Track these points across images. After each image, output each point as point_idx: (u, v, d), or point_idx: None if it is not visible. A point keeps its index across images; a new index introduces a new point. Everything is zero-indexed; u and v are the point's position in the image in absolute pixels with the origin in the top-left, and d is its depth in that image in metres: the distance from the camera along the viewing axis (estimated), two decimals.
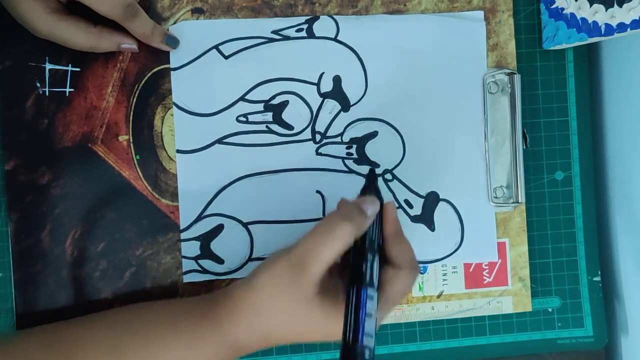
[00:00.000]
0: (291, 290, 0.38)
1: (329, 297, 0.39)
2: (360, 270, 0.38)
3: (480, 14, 0.50)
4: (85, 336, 0.41)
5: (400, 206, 0.49)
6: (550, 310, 0.51)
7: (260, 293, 0.39)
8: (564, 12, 0.48)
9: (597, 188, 0.53)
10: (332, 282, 0.40)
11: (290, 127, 0.49)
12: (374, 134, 0.49)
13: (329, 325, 0.39)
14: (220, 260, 0.48)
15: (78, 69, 0.47)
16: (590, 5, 0.46)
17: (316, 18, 0.49)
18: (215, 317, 0.41)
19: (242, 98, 0.48)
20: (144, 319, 0.42)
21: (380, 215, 0.41)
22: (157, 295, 0.48)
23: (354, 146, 0.49)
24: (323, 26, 0.49)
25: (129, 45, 0.45)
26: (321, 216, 0.49)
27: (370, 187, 0.43)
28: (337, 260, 0.40)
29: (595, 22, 0.46)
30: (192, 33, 0.48)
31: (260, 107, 0.48)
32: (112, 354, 0.40)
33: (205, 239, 0.48)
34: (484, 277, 0.50)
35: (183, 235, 0.48)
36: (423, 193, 0.50)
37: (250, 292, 0.40)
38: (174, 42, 0.47)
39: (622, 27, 0.44)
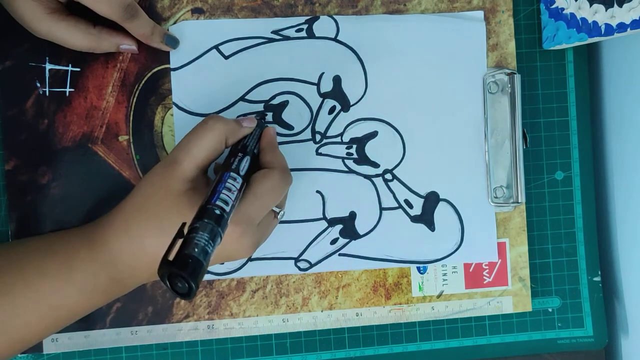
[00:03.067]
0: (163, 187, 0.40)
1: (201, 194, 0.39)
2: (228, 161, 0.41)
3: (480, 14, 0.50)
4: None
5: (400, 206, 0.49)
6: (550, 310, 0.51)
7: (134, 198, 0.41)
8: (564, 12, 0.48)
9: (597, 188, 0.53)
10: (206, 184, 0.41)
11: (290, 127, 0.49)
12: (374, 134, 0.49)
13: None
14: None
15: (78, 69, 0.47)
16: (590, 5, 0.46)
17: (316, 18, 0.49)
18: (90, 236, 0.41)
19: (242, 98, 0.48)
20: (25, 248, 0.42)
21: (260, 133, 0.45)
22: (158, 295, 0.48)
23: (354, 146, 0.49)
24: (323, 26, 0.49)
25: (129, 46, 0.45)
26: (321, 216, 0.49)
27: (260, 124, 0.46)
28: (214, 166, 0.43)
29: (595, 22, 0.46)
30: (192, 33, 0.48)
31: (260, 107, 0.48)
32: None
33: None
34: (484, 277, 0.50)
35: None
36: (423, 193, 0.50)
37: (125, 203, 0.41)
38: (174, 42, 0.47)
39: (622, 27, 0.44)
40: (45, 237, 0.44)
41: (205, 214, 0.35)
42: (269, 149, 0.44)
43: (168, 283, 0.33)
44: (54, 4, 0.42)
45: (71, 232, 0.43)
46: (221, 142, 0.41)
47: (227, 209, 0.36)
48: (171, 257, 0.33)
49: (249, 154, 0.42)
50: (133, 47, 0.45)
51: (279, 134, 0.49)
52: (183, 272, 0.32)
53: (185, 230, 0.34)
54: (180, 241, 0.34)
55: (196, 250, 0.33)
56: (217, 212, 0.35)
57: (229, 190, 0.38)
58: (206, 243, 0.34)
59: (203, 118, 0.42)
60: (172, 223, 0.38)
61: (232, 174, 0.39)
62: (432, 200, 0.50)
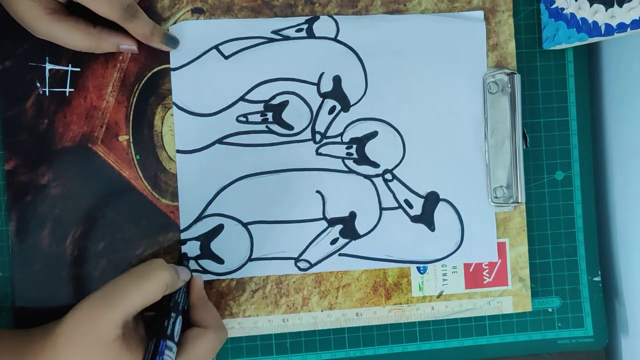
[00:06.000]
0: (90, 328, 0.38)
1: (130, 346, 0.38)
2: (162, 324, 0.40)
3: (480, 14, 0.50)
4: None
5: (400, 206, 0.49)
6: (550, 310, 0.51)
7: (63, 328, 0.39)
8: (564, 12, 0.48)
9: (597, 188, 0.53)
10: (138, 335, 0.40)
11: (290, 127, 0.49)
12: (374, 134, 0.49)
13: None
14: (220, 261, 0.48)
15: (78, 69, 0.47)
16: (590, 5, 0.46)
17: (316, 18, 0.49)
18: (24, 352, 0.40)
19: (242, 98, 0.48)
20: None
21: (188, 286, 0.45)
22: None
23: (354, 146, 0.49)
24: (323, 26, 0.49)
25: (129, 46, 0.45)
26: (321, 216, 0.49)
27: (183, 263, 0.47)
28: (147, 319, 0.42)
29: (595, 22, 0.46)
30: (192, 33, 0.48)
31: (260, 107, 0.48)
32: None
33: (205, 239, 0.48)
34: (484, 277, 0.50)
35: (183, 235, 0.48)
36: (423, 193, 0.50)
37: (58, 328, 0.39)
38: (174, 42, 0.47)
39: (622, 27, 0.44)
40: None
41: None
42: (201, 305, 0.43)
43: None
44: (54, 4, 0.42)
45: (7, 343, 0.41)
46: (162, 293, 0.40)
47: None
48: None
49: (181, 313, 0.41)
50: (133, 47, 0.45)
51: (279, 134, 0.49)
52: None
53: None
54: None
55: None
56: None
57: None
58: None
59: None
60: None
61: (168, 342, 0.38)
62: (432, 200, 0.50)
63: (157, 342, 0.38)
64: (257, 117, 0.48)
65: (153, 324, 0.41)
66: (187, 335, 0.41)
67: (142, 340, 0.40)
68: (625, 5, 0.43)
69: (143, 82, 0.48)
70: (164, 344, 0.38)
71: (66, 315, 0.40)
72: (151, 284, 0.39)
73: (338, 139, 0.49)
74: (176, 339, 0.40)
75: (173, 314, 0.40)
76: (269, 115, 0.48)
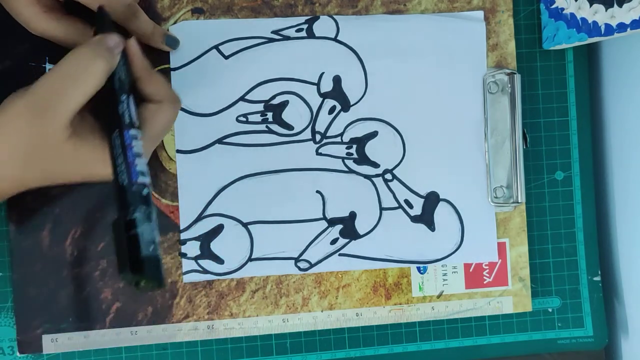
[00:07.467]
0: (34, 135, 0.35)
1: (85, 139, 0.36)
2: (117, 112, 0.36)
3: (480, 14, 0.50)
4: None
5: (400, 206, 0.49)
6: (550, 310, 0.51)
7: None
8: (564, 12, 0.48)
9: (597, 188, 0.53)
10: (86, 122, 0.37)
11: (290, 127, 0.49)
12: (374, 134, 0.49)
13: (92, 166, 0.36)
14: (220, 260, 0.48)
15: None
16: (590, 5, 0.46)
17: (316, 18, 0.49)
18: None
19: (242, 98, 0.48)
20: None
21: (125, 57, 0.39)
22: (157, 295, 0.48)
23: (354, 146, 0.49)
24: (323, 26, 0.49)
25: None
26: (321, 216, 0.49)
27: (104, 26, 0.40)
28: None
29: (595, 22, 0.46)
30: (192, 33, 0.48)
31: (260, 107, 0.48)
32: None
33: (205, 239, 0.48)
34: (484, 277, 0.50)
35: (183, 235, 0.48)
36: (423, 193, 0.50)
37: None
38: (174, 42, 0.47)
39: (622, 27, 0.44)
40: None
41: (133, 199, 0.33)
42: (146, 76, 0.39)
43: (134, 287, 0.33)
44: (51, 2, 0.42)
45: None
46: (103, 82, 0.36)
47: (148, 180, 0.34)
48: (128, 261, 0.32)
49: (130, 91, 0.37)
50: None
51: (279, 134, 0.49)
52: (144, 276, 0.32)
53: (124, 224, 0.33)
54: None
55: (146, 248, 0.32)
56: (144, 192, 0.34)
57: (139, 156, 0.35)
58: (151, 233, 0.33)
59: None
60: (61, 171, 0.36)
61: (132, 132, 0.35)
62: (432, 200, 0.50)
63: (120, 132, 0.35)
64: (257, 117, 0.48)
65: (104, 111, 0.37)
66: (142, 114, 0.38)
67: (93, 128, 0.37)
68: (625, 5, 0.43)
69: None
70: (128, 135, 0.35)
71: None
72: (90, 77, 0.35)
73: (338, 139, 0.49)
74: (136, 124, 0.36)
75: (123, 96, 0.36)
76: (269, 115, 0.48)
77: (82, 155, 0.36)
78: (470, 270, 0.50)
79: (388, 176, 0.49)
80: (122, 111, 0.36)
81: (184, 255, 0.48)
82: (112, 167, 0.35)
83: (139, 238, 0.32)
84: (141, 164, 0.35)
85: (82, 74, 0.35)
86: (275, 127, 0.49)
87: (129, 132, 0.35)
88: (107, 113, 0.37)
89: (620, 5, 0.44)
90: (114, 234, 0.33)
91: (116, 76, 0.37)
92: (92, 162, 0.37)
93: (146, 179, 0.34)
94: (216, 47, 0.48)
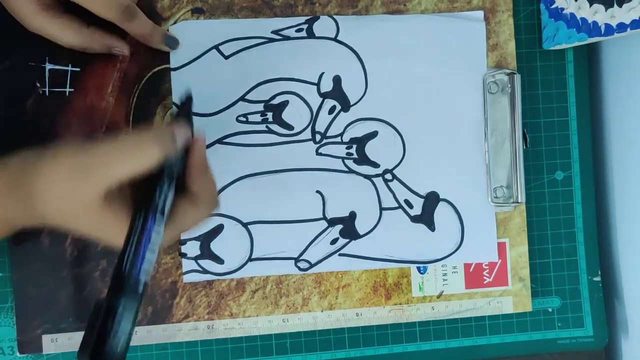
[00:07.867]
0: (67, 198, 0.35)
1: (114, 211, 0.35)
2: (154, 195, 0.35)
3: (480, 14, 0.50)
4: None
5: (400, 206, 0.49)
6: (550, 310, 0.51)
7: (37, 178, 0.35)
8: (564, 12, 0.48)
9: (597, 188, 0.53)
10: (121, 195, 0.36)
11: (290, 127, 0.49)
12: (374, 134, 0.49)
13: (107, 235, 0.36)
14: (220, 260, 0.48)
15: (78, 69, 0.47)
16: (590, 5, 0.46)
17: (316, 18, 0.49)
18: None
19: (242, 98, 0.48)
20: None
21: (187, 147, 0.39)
22: (157, 295, 0.48)
23: (354, 146, 0.49)
24: (323, 26, 0.49)
25: (120, 50, 0.45)
26: (321, 216, 0.49)
27: (183, 114, 0.40)
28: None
29: (595, 22, 0.46)
30: (192, 33, 0.48)
31: (260, 107, 0.48)
32: None
33: (205, 239, 0.48)
34: (484, 277, 0.50)
35: (183, 235, 0.48)
36: (423, 193, 0.50)
37: (28, 176, 0.36)
38: (173, 42, 0.47)
39: (622, 27, 0.44)
40: None
41: (126, 289, 0.32)
42: (199, 173, 0.38)
43: None
44: (50, 1, 0.42)
45: None
46: (152, 167, 0.35)
47: (147, 278, 0.33)
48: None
49: (174, 180, 0.36)
50: (125, 51, 0.46)
51: (279, 134, 0.49)
52: None
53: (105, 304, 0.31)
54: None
55: (115, 344, 0.31)
56: (140, 289, 0.33)
57: (153, 251, 0.34)
58: (127, 325, 0.31)
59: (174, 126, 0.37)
60: (83, 227, 0.36)
61: (157, 216, 0.34)
62: (432, 200, 0.50)
63: (145, 216, 0.34)
64: (257, 117, 0.48)
65: (142, 189, 0.36)
66: (177, 207, 0.37)
67: (125, 202, 0.36)
68: (625, 5, 0.43)
69: (143, 82, 0.48)
70: (152, 220, 0.34)
71: (38, 166, 0.36)
72: (141, 158, 0.35)
73: (338, 139, 0.49)
74: (166, 212, 0.35)
75: (166, 181, 0.36)
76: (269, 115, 0.48)
77: (103, 224, 0.36)
78: (470, 270, 0.50)
79: (388, 176, 0.49)
80: (158, 196, 0.35)
81: (183, 255, 0.48)
82: (122, 245, 0.35)
83: (110, 332, 0.31)
84: (149, 262, 0.34)
85: (136, 154, 0.35)
86: (275, 127, 0.49)
87: (154, 219, 0.35)
88: (144, 192, 0.36)
89: (620, 5, 0.44)
90: (93, 309, 0.32)
91: (168, 163, 0.36)
92: (108, 232, 0.36)
93: (146, 278, 0.34)
94: (216, 47, 0.48)
